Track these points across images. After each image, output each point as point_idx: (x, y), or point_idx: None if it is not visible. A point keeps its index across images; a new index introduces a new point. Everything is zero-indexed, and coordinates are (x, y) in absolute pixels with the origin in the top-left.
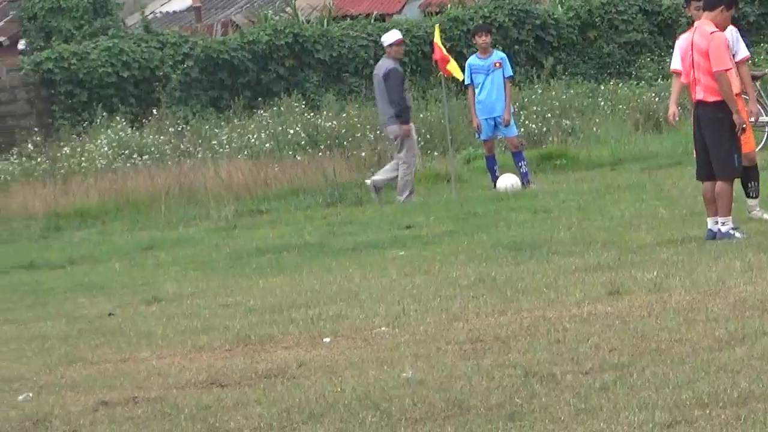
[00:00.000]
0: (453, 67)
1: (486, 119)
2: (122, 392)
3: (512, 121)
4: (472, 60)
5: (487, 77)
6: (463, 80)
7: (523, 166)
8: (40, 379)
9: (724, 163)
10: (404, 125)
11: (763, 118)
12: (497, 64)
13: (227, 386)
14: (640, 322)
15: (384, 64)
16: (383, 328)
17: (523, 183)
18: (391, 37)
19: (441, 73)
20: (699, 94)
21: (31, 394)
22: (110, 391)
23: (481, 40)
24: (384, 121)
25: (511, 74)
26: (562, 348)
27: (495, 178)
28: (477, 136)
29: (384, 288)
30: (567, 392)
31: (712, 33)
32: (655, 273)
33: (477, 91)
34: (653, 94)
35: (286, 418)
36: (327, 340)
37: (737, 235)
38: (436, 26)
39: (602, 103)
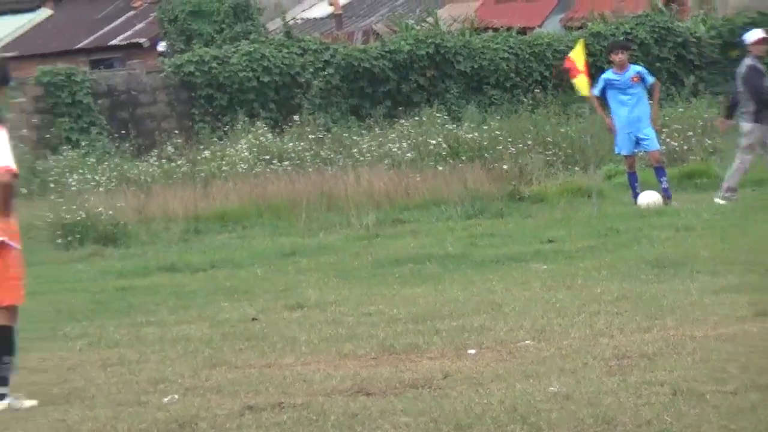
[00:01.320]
0: (580, 81)
1: (628, 134)
2: (267, 397)
3: (654, 135)
4: (609, 75)
5: (626, 92)
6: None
7: (664, 182)
8: (185, 382)
9: None
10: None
11: None
12: (635, 79)
13: (373, 395)
14: None
15: (745, 62)
16: (528, 342)
17: (664, 198)
18: (752, 36)
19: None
20: None
21: (176, 396)
22: (255, 395)
23: (617, 57)
24: (740, 116)
25: (653, 80)
26: (708, 367)
27: (636, 195)
28: (616, 150)
29: (527, 301)
30: (714, 412)
31: None
32: None
33: (617, 107)
34: None
35: (434, 429)
36: (472, 351)
37: None
38: (581, 41)
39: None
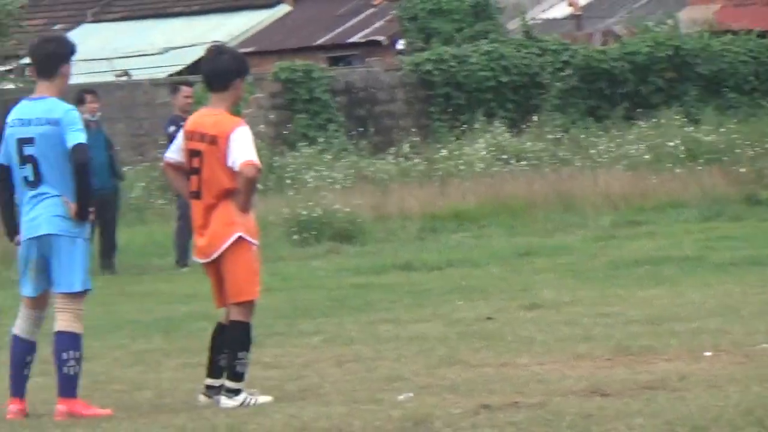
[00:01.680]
0: None
1: None
2: (503, 397)
3: None
4: None
5: None
6: None
7: None
8: (420, 380)
9: None
10: None
11: None
12: None
13: (609, 396)
14: None
15: None
16: (765, 345)
17: None
18: None
19: None
20: None
21: (411, 394)
22: (490, 395)
23: None
24: None
25: None
26: None
27: None
28: None
29: (765, 304)
30: None
31: None
32: None
33: None
34: None
35: (668, 431)
36: (708, 354)
37: None
38: None
39: None
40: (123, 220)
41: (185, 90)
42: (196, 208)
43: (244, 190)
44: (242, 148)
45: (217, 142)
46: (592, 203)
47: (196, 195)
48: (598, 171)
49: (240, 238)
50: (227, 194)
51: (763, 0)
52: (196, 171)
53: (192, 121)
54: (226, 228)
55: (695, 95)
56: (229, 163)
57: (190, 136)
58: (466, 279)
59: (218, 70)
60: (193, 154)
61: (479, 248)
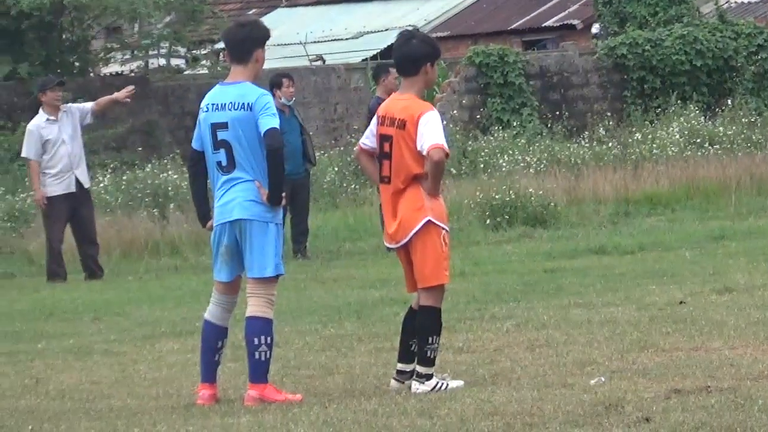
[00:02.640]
0: None
1: None
2: (694, 381)
3: None
4: None
5: None
6: None
7: None
8: (611, 364)
9: None
10: None
11: None
12: None
13: None
14: None
15: None
16: None
17: None
18: None
19: None
20: None
21: (603, 379)
22: (682, 379)
23: None
24: None
25: None
26: None
27: None
28: None
29: None
30: None
31: None
32: None
33: None
34: None
35: None
36: None
37: None
38: None
39: None
40: (315, 205)
41: (395, 72)
42: (386, 193)
43: (432, 174)
44: (431, 132)
45: (405, 126)
46: None
47: (387, 180)
48: None
49: (429, 222)
50: (416, 179)
51: None
52: (387, 156)
53: (384, 106)
54: (416, 213)
55: None
56: (418, 147)
57: (381, 121)
58: (659, 263)
59: (408, 55)
60: (384, 139)
61: (672, 232)
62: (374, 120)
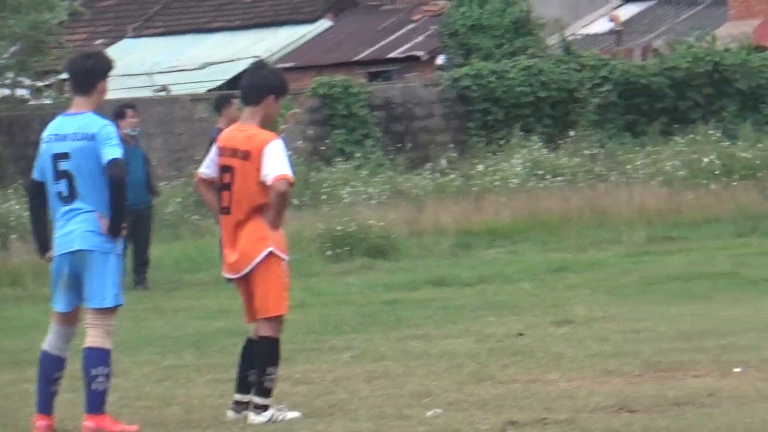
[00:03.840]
0: None
1: None
2: (531, 413)
3: None
4: None
5: None
6: None
7: None
8: (449, 396)
9: None
10: None
11: None
12: None
13: (636, 412)
14: None
15: None
16: None
17: None
18: None
19: None
20: None
21: (440, 411)
22: (519, 411)
23: None
24: None
25: None
26: None
27: None
28: None
29: None
30: None
31: None
32: None
33: None
34: None
35: None
36: (737, 370)
37: None
38: None
39: None
40: (157, 235)
41: (237, 102)
42: (226, 223)
43: (276, 205)
44: (276, 163)
45: (250, 156)
46: (626, 219)
47: (226, 210)
48: (633, 186)
49: (271, 253)
50: (258, 210)
51: None
52: (227, 187)
53: (224, 137)
54: (258, 244)
55: (733, 111)
56: (262, 177)
57: (221, 152)
58: (498, 295)
59: (254, 85)
60: (224, 169)
61: (512, 264)
62: (214, 148)
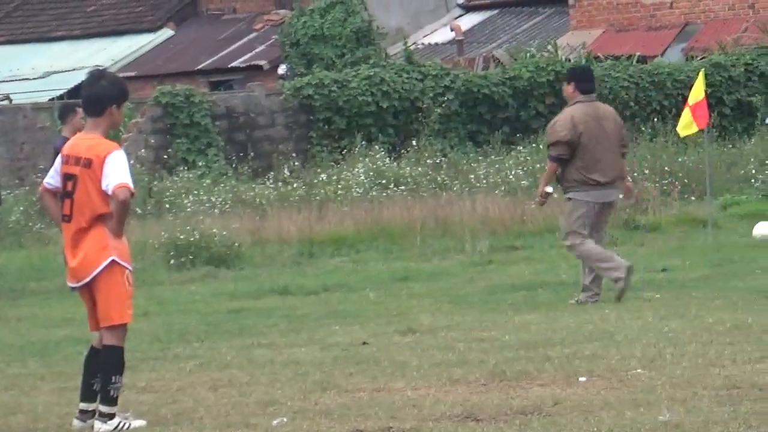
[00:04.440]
0: (685, 121)
1: None
2: (377, 421)
3: None
4: None
5: None
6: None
7: None
8: (294, 405)
9: None
10: None
11: None
12: None
13: (482, 420)
14: None
15: None
16: (639, 370)
17: None
18: None
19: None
20: None
21: (285, 419)
22: (365, 420)
23: None
24: None
25: None
26: None
27: None
28: None
29: (639, 330)
30: None
31: None
32: None
33: None
34: None
35: None
36: (583, 379)
37: None
38: (701, 72)
39: None
40: (1, 243)
41: (81, 111)
42: (68, 232)
43: (117, 214)
44: (117, 172)
45: (92, 165)
46: (470, 228)
47: (68, 218)
48: (476, 196)
49: (113, 262)
50: (100, 218)
51: (644, 25)
52: (70, 195)
53: (68, 146)
54: (100, 252)
55: None
56: (104, 186)
57: (65, 160)
58: (343, 304)
59: (95, 96)
60: (67, 178)
61: (357, 273)
62: (59, 159)
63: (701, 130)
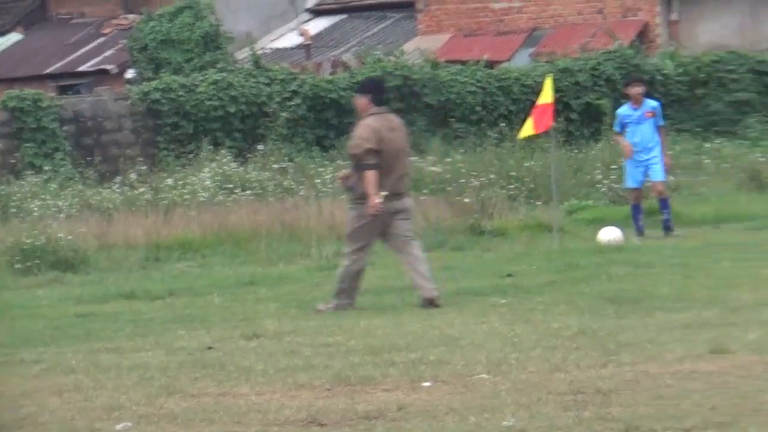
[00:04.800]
0: (527, 125)
1: (636, 166)
2: (221, 426)
3: (662, 168)
4: (624, 110)
5: (639, 126)
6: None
7: (666, 214)
8: (139, 410)
9: None
10: None
11: None
12: (649, 114)
13: (327, 425)
14: (742, 382)
15: None
16: (484, 375)
17: (665, 230)
18: None
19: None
20: None
21: (130, 424)
22: (209, 424)
23: (634, 90)
24: None
25: (663, 123)
26: (663, 404)
27: (639, 228)
28: (626, 184)
29: (485, 335)
30: None
31: None
32: (757, 333)
33: (630, 140)
34: (759, 155)
35: None
36: (427, 384)
37: None
38: (549, 77)
39: (707, 161)
40: None
41: None
42: None
43: None
44: None
45: None
46: (316, 233)
47: None
48: (322, 201)
49: None
50: None
51: (493, 30)
52: None
53: None
54: None
55: (423, 125)
56: None
57: None
58: (189, 308)
59: None
60: None
61: (203, 277)
62: None
63: (542, 134)
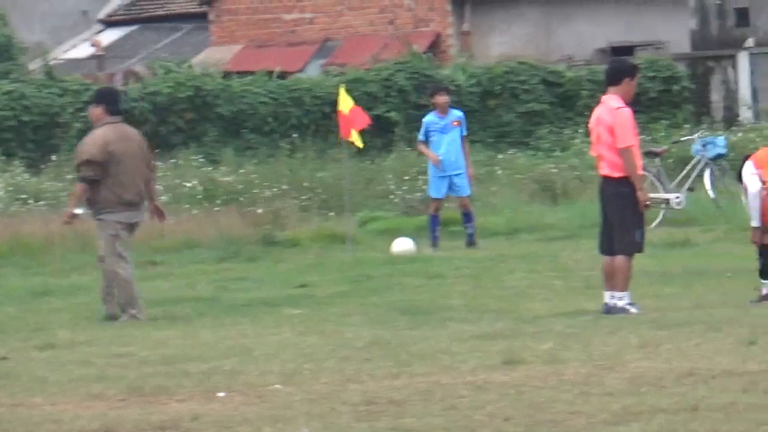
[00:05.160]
0: (356, 135)
1: (441, 177)
2: None
3: (467, 182)
4: (430, 118)
5: (445, 135)
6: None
7: (470, 228)
8: None
9: (625, 239)
10: None
11: (661, 195)
12: (455, 123)
13: None
14: (535, 392)
15: None
16: (277, 386)
17: (468, 243)
18: None
19: (341, 133)
20: (603, 170)
21: None
22: None
23: (442, 99)
24: None
25: (466, 133)
26: (456, 415)
27: (435, 238)
28: (429, 192)
29: (278, 346)
30: None
31: (617, 108)
32: (550, 344)
33: (435, 150)
34: (551, 165)
35: None
36: (221, 394)
37: (633, 310)
38: (342, 87)
39: (499, 172)
40: None
41: None
42: None
43: None
44: None
45: None
46: None
47: None
48: None
49: None
50: None
51: (284, 41)
52: None
53: None
54: None
55: (215, 136)
56: None
57: None
58: None
59: None
60: None
61: None
62: None
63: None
